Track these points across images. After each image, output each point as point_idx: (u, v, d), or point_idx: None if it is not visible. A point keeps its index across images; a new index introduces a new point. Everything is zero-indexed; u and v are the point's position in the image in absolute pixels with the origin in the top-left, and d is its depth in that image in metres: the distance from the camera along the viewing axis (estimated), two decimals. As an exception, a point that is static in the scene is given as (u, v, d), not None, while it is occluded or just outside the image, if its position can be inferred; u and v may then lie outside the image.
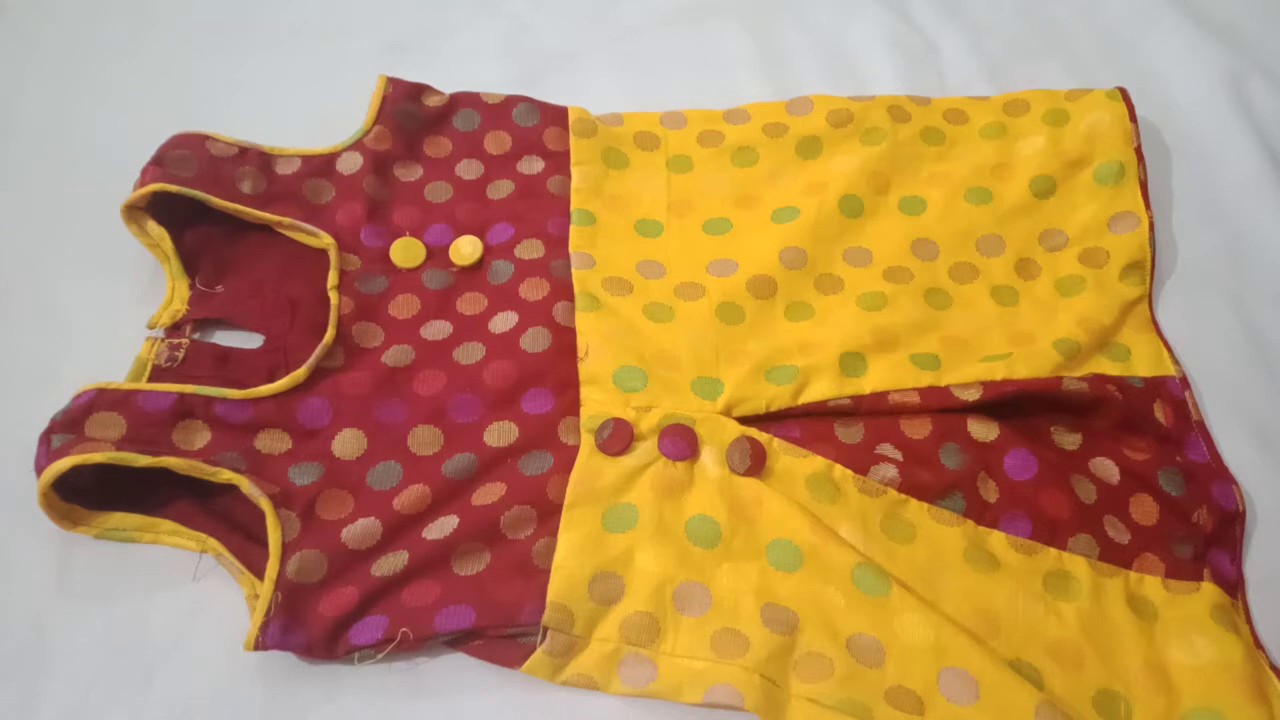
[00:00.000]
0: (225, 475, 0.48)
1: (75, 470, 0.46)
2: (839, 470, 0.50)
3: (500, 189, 0.62)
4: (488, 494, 0.49)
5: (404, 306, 0.56)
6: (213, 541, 0.49)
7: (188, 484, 0.49)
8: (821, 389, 0.53)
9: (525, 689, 0.47)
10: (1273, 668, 0.47)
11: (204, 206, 0.57)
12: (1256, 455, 0.54)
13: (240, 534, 0.49)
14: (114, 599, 0.49)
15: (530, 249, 0.58)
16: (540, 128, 0.64)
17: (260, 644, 0.45)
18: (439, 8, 0.75)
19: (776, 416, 0.52)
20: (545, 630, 0.45)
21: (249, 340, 0.57)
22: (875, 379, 0.53)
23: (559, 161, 0.63)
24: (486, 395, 0.52)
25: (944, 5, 0.76)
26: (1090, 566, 0.48)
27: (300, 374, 0.52)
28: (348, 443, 0.51)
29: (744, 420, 0.52)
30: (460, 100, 0.65)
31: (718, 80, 0.71)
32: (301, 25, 0.74)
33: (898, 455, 0.51)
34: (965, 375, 0.53)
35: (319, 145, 0.62)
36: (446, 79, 0.66)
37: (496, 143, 0.64)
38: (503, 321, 0.55)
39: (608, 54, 0.73)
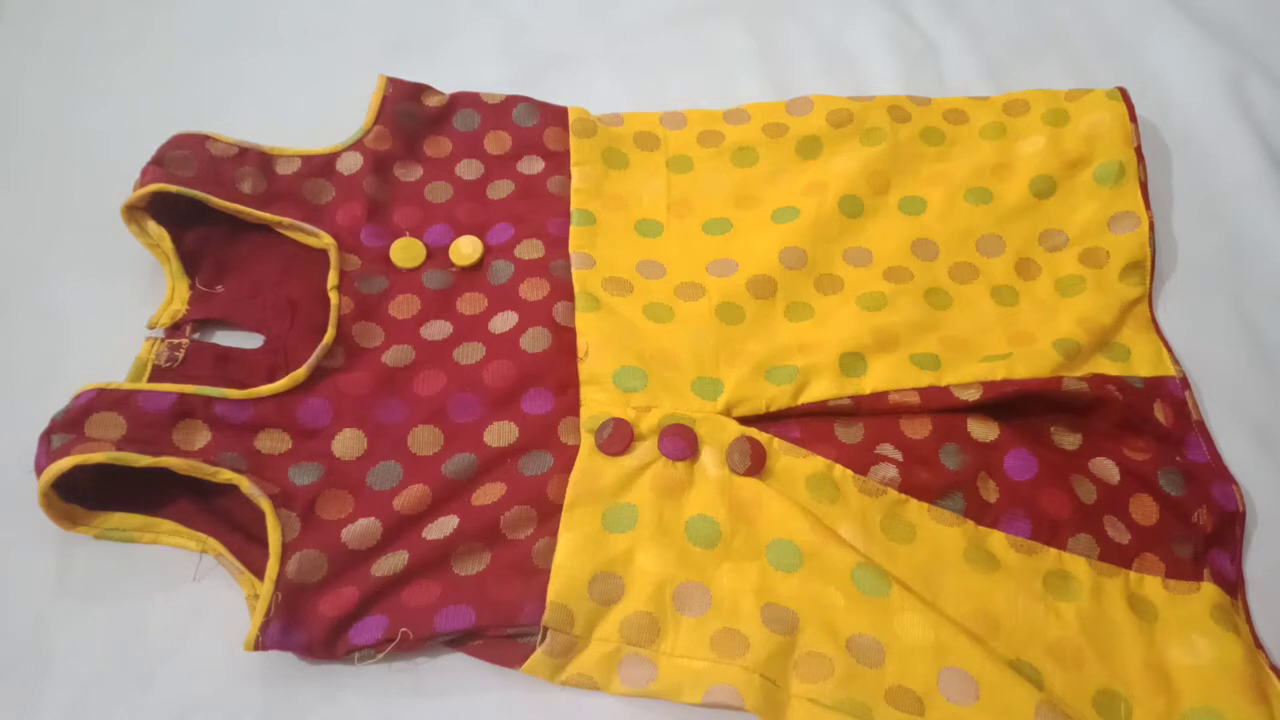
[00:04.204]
0: (225, 475, 0.48)
1: (75, 470, 0.46)
2: (839, 470, 0.50)
3: (500, 189, 0.62)
4: (488, 494, 0.49)
5: (404, 306, 0.56)
6: (213, 541, 0.49)
7: (188, 484, 0.49)
8: (821, 389, 0.53)
9: (525, 689, 0.47)
10: (1273, 668, 0.47)
11: (204, 206, 0.57)
12: (1256, 455, 0.55)
13: (240, 534, 0.49)
14: (114, 599, 0.49)
15: (530, 249, 0.58)
16: (540, 128, 0.64)
17: (260, 644, 0.45)
18: (439, 8, 0.75)
19: (776, 416, 0.52)
20: (545, 630, 0.45)
21: (249, 340, 0.57)
22: (875, 379, 0.53)
23: (559, 161, 0.63)
24: (486, 395, 0.52)
25: (944, 5, 0.76)
26: (1090, 566, 0.48)
27: (300, 374, 0.52)
28: (348, 443, 0.51)
29: (744, 420, 0.52)
30: (460, 100, 0.65)
31: (718, 80, 0.71)
32: (301, 25, 0.74)
33: (898, 455, 0.51)
34: (965, 375, 0.53)
35: (319, 145, 0.62)
36: (446, 79, 0.66)
37: (496, 143, 0.64)
38: (503, 321, 0.55)
39: (608, 54, 0.73)
